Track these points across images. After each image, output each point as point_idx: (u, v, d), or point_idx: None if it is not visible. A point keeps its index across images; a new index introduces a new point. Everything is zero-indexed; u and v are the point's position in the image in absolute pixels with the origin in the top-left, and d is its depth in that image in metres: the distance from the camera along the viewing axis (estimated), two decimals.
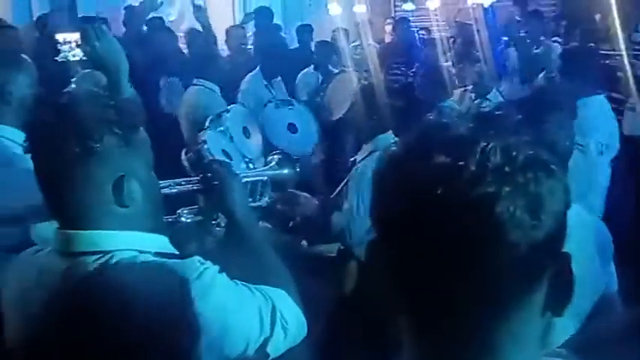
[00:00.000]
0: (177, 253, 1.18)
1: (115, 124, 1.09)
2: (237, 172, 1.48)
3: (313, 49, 5.38)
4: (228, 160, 1.58)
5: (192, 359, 1.00)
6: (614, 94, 4.08)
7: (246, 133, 2.89)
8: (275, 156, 1.66)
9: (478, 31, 5.68)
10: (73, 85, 2.33)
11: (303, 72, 4.89)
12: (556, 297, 0.59)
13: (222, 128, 2.70)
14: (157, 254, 1.13)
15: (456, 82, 4.60)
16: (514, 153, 0.56)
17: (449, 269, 0.55)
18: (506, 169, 0.55)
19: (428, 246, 0.56)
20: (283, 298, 1.20)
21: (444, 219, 0.54)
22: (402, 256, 0.58)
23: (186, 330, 0.97)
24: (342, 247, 2.44)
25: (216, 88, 3.42)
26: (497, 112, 1.44)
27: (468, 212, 0.53)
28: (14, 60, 1.80)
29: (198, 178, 1.45)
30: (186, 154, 2.36)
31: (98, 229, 1.10)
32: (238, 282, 1.14)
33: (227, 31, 5.29)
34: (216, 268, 1.11)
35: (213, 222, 1.49)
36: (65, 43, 1.72)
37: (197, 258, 1.11)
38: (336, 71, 4.64)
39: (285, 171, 1.64)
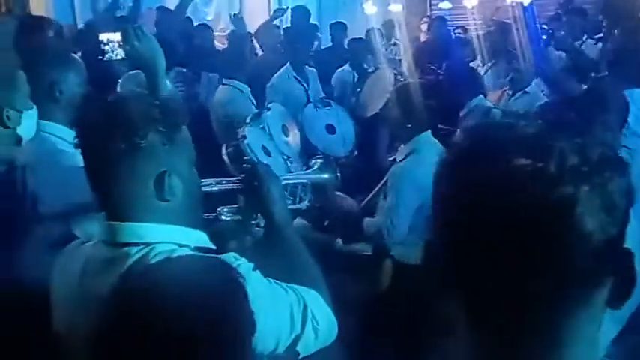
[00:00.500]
0: (214, 248, 1.22)
1: (159, 122, 1.14)
2: (279, 174, 1.51)
3: (347, 46, 5.39)
4: (267, 162, 1.59)
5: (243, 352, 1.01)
6: None
7: (285, 131, 2.93)
8: (317, 160, 1.68)
9: (517, 29, 5.60)
10: (120, 86, 2.41)
11: (339, 70, 4.90)
12: (618, 292, 0.60)
13: (262, 125, 2.74)
14: (195, 248, 1.16)
15: (492, 80, 4.55)
16: (588, 152, 0.56)
17: (525, 268, 0.56)
18: (584, 169, 0.55)
19: (505, 245, 0.56)
20: (315, 298, 1.23)
21: (523, 220, 0.55)
22: (474, 255, 0.59)
23: (232, 323, 0.99)
24: (378, 246, 2.44)
25: (246, 88, 3.46)
26: (554, 111, 1.43)
27: (548, 213, 0.54)
28: (65, 59, 1.85)
29: (239, 177, 1.49)
30: (226, 148, 2.40)
31: (140, 221, 1.15)
32: (271, 280, 1.16)
33: (260, 29, 5.33)
34: (251, 265, 1.14)
35: (252, 222, 1.51)
36: (108, 42, 1.77)
37: (232, 254, 1.14)
38: (371, 69, 4.63)
39: (326, 176, 1.66)
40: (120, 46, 1.73)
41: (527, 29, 5.61)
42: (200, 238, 1.21)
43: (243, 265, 1.11)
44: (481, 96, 3.40)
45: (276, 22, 5.93)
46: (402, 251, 2.48)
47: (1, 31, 2.32)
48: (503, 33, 5.97)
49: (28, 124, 1.61)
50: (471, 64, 4.74)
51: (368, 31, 6.04)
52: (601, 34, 5.35)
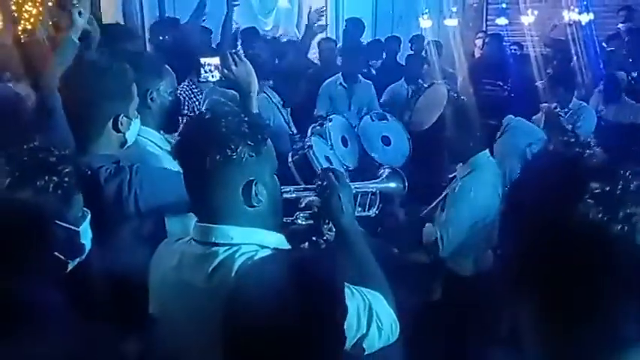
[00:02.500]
0: (290, 249, 1.35)
1: (248, 136, 1.28)
2: (350, 183, 1.65)
3: (404, 62, 5.50)
4: (342, 171, 1.71)
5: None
6: None
7: (344, 142, 3.07)
8: (385, 170, 1.80)
9: (575, 47, 5.58)
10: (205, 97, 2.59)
11: (392, 85, 5.02)
12: None
13: (324, 136, 2.89)
14: (274, 249, 1.30)
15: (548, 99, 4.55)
16: None
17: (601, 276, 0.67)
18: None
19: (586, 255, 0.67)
20: (379, 301, 1.35)
21: (595, 236, 0.67)
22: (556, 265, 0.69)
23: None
24: (434, 256, 2.54)
25: (276, 98, 3.61)
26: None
27: (613, 229, 0.66)
28: (160, 68, 2.03)
29: (314, 185, 1.63)
30: (292, 157, 2.55)
31: (229, 224, 1.30)
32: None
33: (318, 44, 5.51)
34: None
35: (325, 226, 1.65)
36: (206, 65, 1.93)
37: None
38: (426, 85, 4.72)
39: (394, 185, 1.78)
40: (217, 69, 1.89)
41: (586, 48, 5.59)
42: (279, 241, 1.35)
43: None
44: (510, 116, 3.42)
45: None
46: (453, 263, 2.58)
47: (111, 39, 2.51)
48: (560, 51, 5.96)
49: (133, 129, 1.80)
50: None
51: (423, 45, 6.18)
52: None
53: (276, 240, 1.35)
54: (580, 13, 6.52)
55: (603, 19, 6.99)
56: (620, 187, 0.66)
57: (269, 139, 1.36)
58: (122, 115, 1.74)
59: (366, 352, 1.30)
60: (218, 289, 1.21)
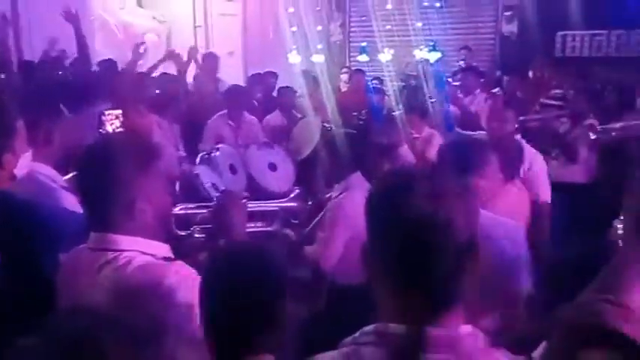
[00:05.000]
0: (172, 257, 1.54)
1: (135, 157, 1.47)
2: (245, 201, 1.87)
3: (276, 94, 5.82)
4: (237, 192, 1.95)
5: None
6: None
7: (232, 170, 3.24)
8: (295, 190, 2.05)
9: (426, 82, 6.30)
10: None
11: (269, 115, 5.30)
12: None
13: (212, 165, 3.06)
14: (157, 257, 1.49)
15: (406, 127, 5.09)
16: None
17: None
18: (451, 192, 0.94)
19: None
20: None
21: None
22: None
23: (156, 308, 1.35)
24: (316, 272, 2.79)
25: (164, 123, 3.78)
26: None
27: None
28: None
29: (210, 203, 1.83)
30: (180, 184, 2.68)
31: (116, 233, 1.47)
32: None
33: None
34: (192, 270, 1.47)
35: (220, 240, 1.85)
36: (107, 115, 2.02)
37: (179, 262, 1.49)
38: (299, 116, 5.07)
39: (296, 204, 2.02)
40: (118, 119, 2.00)
41: (434, 82, 6.33)
42: (161, 249, 1.54)
43: (188, 269, 1.45)
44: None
45: None
46: (335, 275, 2.85)
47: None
48: (414, 85, 6.68)
49: (22, 164, 1.81)
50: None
51: (293, 79, 6.57)
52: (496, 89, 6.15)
53: (159, 248, 1.53)
54: (429, 51, 7.36)
55: (449, 57, 7.93)
56: (437, 188, 0.94)
57: (157, 159, 1.55)
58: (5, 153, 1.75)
59: None
60: (103, 286, 1.41)
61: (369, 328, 0.98)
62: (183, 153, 3.47)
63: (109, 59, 5.02)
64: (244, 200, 1.87)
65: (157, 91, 4.73)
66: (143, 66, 5.16)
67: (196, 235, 1.88)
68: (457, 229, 0.92)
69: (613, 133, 4.34)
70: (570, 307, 0.92)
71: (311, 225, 2.91)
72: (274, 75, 6.60)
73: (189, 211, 1.87)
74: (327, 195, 2.93)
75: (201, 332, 1.41)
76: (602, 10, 6.60)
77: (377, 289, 1.01)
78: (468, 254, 0.94)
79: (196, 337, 1.42)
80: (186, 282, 1.43)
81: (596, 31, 6.75)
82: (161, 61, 5.14)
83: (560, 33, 6.96)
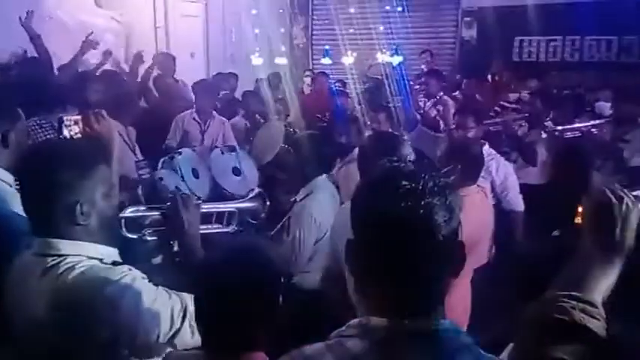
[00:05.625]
0: (120, 261, 1.53)
1: (76, 162, 1.46)
2: (198, 202, 1.87)
3: (240, 97, 5.77)
4: (189, 194, 1.94)
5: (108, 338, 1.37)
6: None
7: (195, 173, 3.19)
8: (251, 192, 2.04)
9: (389, 84, 6.38)
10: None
11: (232, 119, 5.25)
12: None
13: (175, 168, 3.00)
14: (103, 261, 1.48)
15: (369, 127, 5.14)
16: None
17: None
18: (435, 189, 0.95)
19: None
20: None
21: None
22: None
23: (99, 313, 1.36)
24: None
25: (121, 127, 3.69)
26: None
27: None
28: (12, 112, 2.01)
29: (163, 206, 1.81)
30: (142, 188, 2.62)
31: (57, 238, 1.45)
32: (160, 287, 1.50)
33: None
34: (139, 274, 1.48)
35: (171, 242, 1.84)
36: (66, 120, 1.96)
37: (126, 266, 1.49)
38: (263, 120, 5.04)
39: (254, 204, 2.01)
40: (77, 124, 1.94)
41: (397, 84, 6.42)
42: (110, 253, 1.52)
43: (130, 274, 1.46)
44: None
45: None
46: (301, 279, 2.84)
47: None
48: (377, 87, 6.74)
49: None
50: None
51: (257, 82, 6.54)
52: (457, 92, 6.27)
53: (107, 252, 1.51)
54: (391, 55, 7.44)
55: (412, 61, 8.04)
56: (422, 184, 0.95)
57: (103, 166, 1.54)
58: None
59: (178, 347, 1.50)
60: (45, 292, 1.41)
61: (354, 321, 1.00)
62: (140, 156, 3.40)
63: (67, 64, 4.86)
64: (198, 202, 1.86)
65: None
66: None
67: (148, 238, 1.85)
68: (441, 225, 0.93)
69: (568, 134, 4.49)
70: (536, 304, 0.94)
71: (275, 229, 2.90)
72: (235, 76, 6.55)
73: (139, 214, 1.83)
74: (292, 198, 2.92)
75: (155, 336, 1.43)
76: (557, 16, 6.82)
77: (361, 283, 1.02)
78: (452, 250, 0.96)
79: (149, 342, 1.43)
80: (133, 286, 1.42)
81: (552, 37, 6.96)
82: (102, 63, 5.05)
83: (517, 38, 7.15)
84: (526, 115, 4.97)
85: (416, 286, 0.96)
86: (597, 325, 0.87)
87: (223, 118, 4.97)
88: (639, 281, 0.96)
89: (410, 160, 1.04)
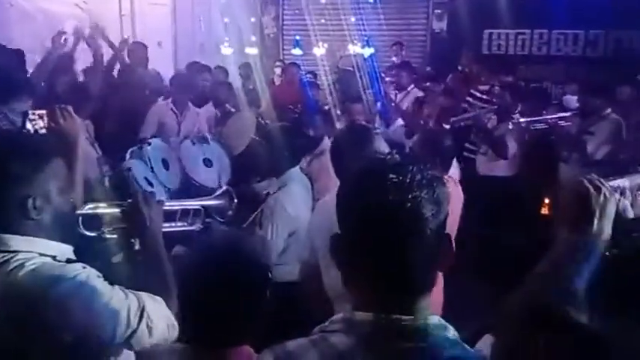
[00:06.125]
0: (74, 258, 1.49)
1: (28, 157, 1.42)
2: (161, 200, 1.82)
3: (211, 88, 5.67)
4: (152, 191, 1.88)
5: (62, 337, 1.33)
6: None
7: (165, 165, 3.11)
8: (219, 190, 1.99)
9: (360, 76, 6.36)
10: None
11: (203, 108, 5.17)
12: None
13: (144, 159, 2.92)
14: (55, 258, 1.44)
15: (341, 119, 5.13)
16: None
17: None
18: (424, 181, 0.92)
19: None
20: (159, 304, 1.52)
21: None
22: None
23: (51, 312, 1.33)
24: None
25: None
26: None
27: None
28: None
29: (124, 202, 1.77)
30: (109, 179, 2.53)
31: (9, 233, 1.41)
32: (116, 286, 1.47)
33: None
34: (94, 272, 1.45)
35: (132, 240, 1.78)
36: (31, 115, 1.89)
37: (80, 264, 1.45)
38: (233, 110, 4.97)
39: (221, 202, 1.97)
40: (42, 119, 1.87)
41: (369, 76, 6.41)
42: (63, 250, 1.48)
43: (83, 273, 1.42)
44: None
45: None
46: (274, 272, 2.80)
47: None
48: (348, 79, 6.72)
49: None
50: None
51: (227, 72, 6.43)
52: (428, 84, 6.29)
53: (60, 249, 1.47)
54: (362, 47, 7.42)
55: (383, 52, 8.03)
56: (410, 177, 0.93)
57: (59, 158, 1.50)
58: None
59: (135, 348, 1.48)
60: None
61: (338, 316, 0.98)
62: (99, 152, 3.32)
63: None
64: (161, 199, 1.82)
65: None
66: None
67: (107, 236, 1.81)
68: (429, 218, 0.92)
69: (535, 126, 4.56)
70: (517, 296, 0.93)
71: (248, 221, 2.85)
72: (207, 68, 6.43)
73: (98, 211, 1.78)
74: (265, 191, 2.88)
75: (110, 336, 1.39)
76: (526, 9, 6.90)
77: (347, 277, 1.00)
78: (439, 243, 0.94)
79: (105, 342, 1.39)
80: (86, 285, 1.39)
81: (521, 30, 7.04)
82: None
83: (487, 31, 7.20)
84: (495, 107, 5.02)
85: (403, 280, 0.94)
86: (580, 317, 0.87)
87: (197, 109, 4.90)
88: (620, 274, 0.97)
89: (397, 152, 1.00)
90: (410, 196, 0.91)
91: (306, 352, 0.94)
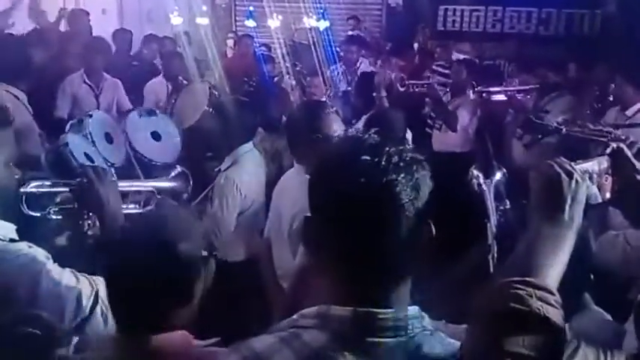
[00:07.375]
0: (16, 238, 1.40)
1: None
2: (115, 179, 1.67)
3: (161, 58, 5.43)
4: (106, 167, 1.74)
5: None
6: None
7: (108, 138, 2.93)
8: (177, 170, 1.87)
9: (315, 50, 6.23)
10: None
11: (152, 81, 4.94)
12: None
13: (84, 133, 2.73)
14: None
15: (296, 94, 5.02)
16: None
17: None
18: (401, 164, 0.84)
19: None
20: None
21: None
22: None
23: None
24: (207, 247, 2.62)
25: (21, 94, 3.44)
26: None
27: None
28: None
29: (73, 180, 1.61)
30: (45, 155, 2.34)
31: None
32: (67, 269, 1.40)
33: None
34: (42, 252, 1.37)
35: (84, 221, 1.64)
36: None
37: (25, 243, 1.37)
38: (185, 82, 4.77)
39: (175, 184, 1.85)
40: None
41: (324, 50, 6.29)
42: (5, 228, 1.40)
43: (30, 253, 1.35)
44: None
45: None
46: (224, 251, 2.70)
47: None
48: (303, 52, 6.58)
49: None
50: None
51: (177, 42, 6.17)
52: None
53: (3, 228, 1.39)
54: (317, 20, 7.26)
55: (338, 26, 7.91)
56: (386, 159, 0.84)
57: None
58: None
59: (90, 334, 1.39)
60: None
61: (311, 310, 0.89)
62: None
63: None
64: (113, 178, 1.69)
65: None
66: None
67: (53, 217, 1.65)
68: (405, 205, 0.84)
69: (494, 97, 4.60)
70: (487, 292, 0.87)
71: (198, 198, 2.74)
72: (154, 37, 6.16)
73: (44, 190, 1.63)
74: (216, 168, 2.75)
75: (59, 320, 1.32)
76: None
77: (320, 268, 0.92)
78: (419, 232, 0.87)
79: (53, 327, 1.27)
80: (32, 265, 1.33)
81: (475, 7, 7.04)
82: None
83: (442, 7, 7.17)
84: (449, 81, 5.03)
85: (379, 270, 0.86)
86: (555, 314, 0.81)
87: (116, 79, 4.64)
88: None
89: (375, 132, 0.91)
90: (384, 180, 0.83)
91: (277, 352, 0.84)
